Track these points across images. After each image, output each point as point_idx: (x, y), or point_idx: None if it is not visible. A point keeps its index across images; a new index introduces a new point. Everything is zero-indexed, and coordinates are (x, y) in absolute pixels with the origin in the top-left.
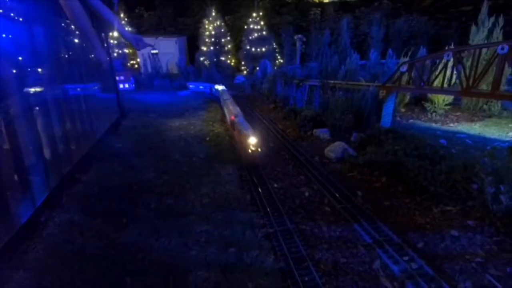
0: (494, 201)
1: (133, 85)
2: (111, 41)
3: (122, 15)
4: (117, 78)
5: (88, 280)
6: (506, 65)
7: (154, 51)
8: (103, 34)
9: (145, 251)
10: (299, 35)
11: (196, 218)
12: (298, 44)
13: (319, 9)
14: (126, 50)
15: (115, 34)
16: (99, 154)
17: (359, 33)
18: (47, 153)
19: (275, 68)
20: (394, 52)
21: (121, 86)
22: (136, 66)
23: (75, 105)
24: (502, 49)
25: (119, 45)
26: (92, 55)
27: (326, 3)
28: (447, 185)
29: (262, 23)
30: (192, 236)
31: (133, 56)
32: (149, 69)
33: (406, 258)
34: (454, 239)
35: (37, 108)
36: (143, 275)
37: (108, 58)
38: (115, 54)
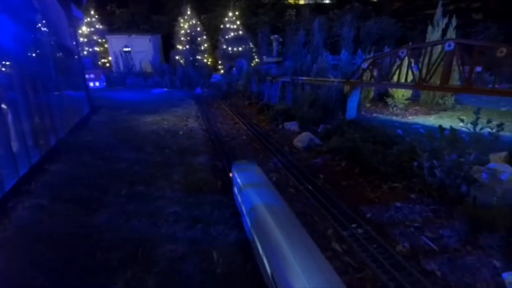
0: (430, 174)
1: (104, 84)
2: (81, 38)
3: (92, 12)
4: (86, 76)
5: (58, 255)
6: (454, 60)
7: (127, 49)
8: (71, 29)
9: (115, 230)
10: (276, 35)
11: (166, 202)
12: (274, 44)
13: (295, 10)
14: (96, 48)
15: (85, 31)
16: (68, 146)
17: (332, 34)
18: (14, 145)
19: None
20: (364, 52)
21: (91, 84)
22: (107, 64)
23: (42, 100)
24: (449, 46)
25: (90, 43)
26: (63, 48)
27: (301, 4)
28: (395, 165)
29: (238, 23)
30: (162, 217)
31: (104, 54)
32: (121, 68)
33: (354, 225)
34: (398, 209)
35: (3, 105)
36: (113, 250)
37: (76, 56)
38: (85, 52)
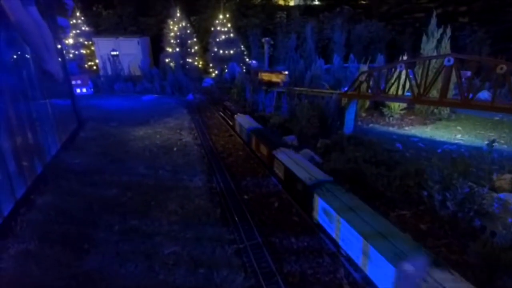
0: (441, 207)
1: (91, 90)
2: (66, 41)
3: (78, 13)
4: (73, 82)
5: None
6: (453, 74)
7: (114, 52)
8: (55, 41)
9: (109, 279)
10: (267, 38)
11: (163, 238)
12: (266, 47)
13: (285, 12)
14: (82, 51)
15: (70, 34)
16: (55, 172)
17: (323, 38)
18: None
19: (244, 70)
20: (356, 56)
21: (78, 91)
22: (94, 67)
23: (24, 116)
24: (449, 61)
25: (75, 46)
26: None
27: (291, 6)
28: (401, 191)
29: (229, 25)
30: (160, 258)
31: (91, 57)
32: (109, 72)
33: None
34: None
35: None
36: None
37: (60, 60)
38: (71, 55)
